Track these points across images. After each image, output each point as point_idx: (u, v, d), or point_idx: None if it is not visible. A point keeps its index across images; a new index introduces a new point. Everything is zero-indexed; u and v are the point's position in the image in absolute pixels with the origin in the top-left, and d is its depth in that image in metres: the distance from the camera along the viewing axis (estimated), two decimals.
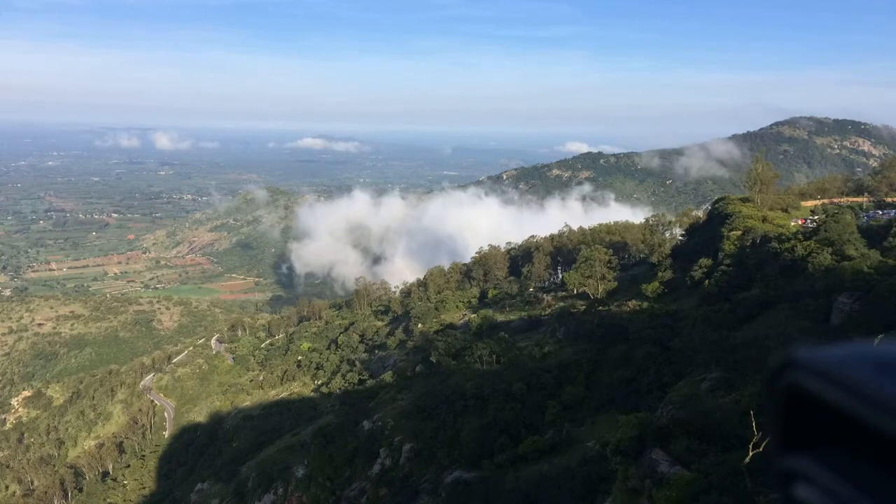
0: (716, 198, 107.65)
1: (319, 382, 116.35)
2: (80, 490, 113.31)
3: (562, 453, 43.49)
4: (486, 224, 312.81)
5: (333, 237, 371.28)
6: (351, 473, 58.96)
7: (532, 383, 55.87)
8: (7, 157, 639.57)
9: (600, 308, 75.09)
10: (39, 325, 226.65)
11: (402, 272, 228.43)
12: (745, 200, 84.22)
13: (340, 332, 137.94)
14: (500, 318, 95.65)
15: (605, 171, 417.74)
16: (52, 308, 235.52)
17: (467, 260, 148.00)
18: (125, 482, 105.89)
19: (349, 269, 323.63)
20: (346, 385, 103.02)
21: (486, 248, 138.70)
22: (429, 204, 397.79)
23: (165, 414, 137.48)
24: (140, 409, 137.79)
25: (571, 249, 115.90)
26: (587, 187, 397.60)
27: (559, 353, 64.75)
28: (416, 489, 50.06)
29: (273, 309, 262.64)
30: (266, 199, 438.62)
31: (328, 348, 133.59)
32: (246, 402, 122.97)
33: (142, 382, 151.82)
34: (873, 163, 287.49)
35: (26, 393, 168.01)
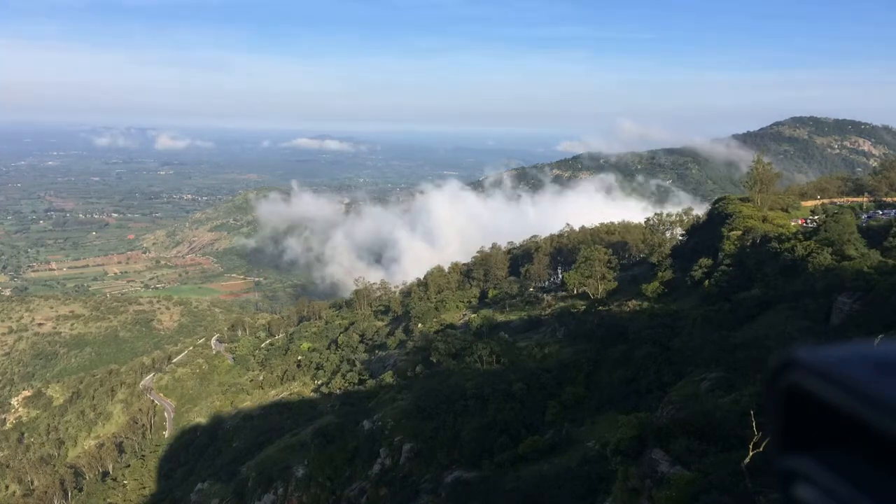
0: (716, 197, 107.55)
1: (319, 382, 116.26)
2: (80, 490, 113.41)
3: (562, 453, 43.47)
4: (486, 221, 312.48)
5: (336, 237, 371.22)
6: (351, 473, 58.97)
7: (532, 383, 55.87)
8: (7, 157, 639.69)
9: (600, 308, 75.10)
10: (39, 324, 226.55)
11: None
12: (745, 200, 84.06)
13: (340, 332, 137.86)
14: (500, 318, 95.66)
15: (604, 171, 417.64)
16: (52, 308, 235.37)
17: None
18: (125, 482, 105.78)
19: (352, 267, 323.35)
20: (346, 385, 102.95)
21: (486, 247, 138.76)
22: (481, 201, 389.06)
23: (165, 414, 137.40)
24: (140, 409, 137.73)
25: (571, 249, 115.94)
26: (586, 187, 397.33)
27: (559, 353, 64.75)
28: (416, 489, 50.05)
29: (273, 309, 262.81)
30: (266, 199, 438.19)
31: (328, 348, 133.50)
32: (246, 402, 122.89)
33: (142, 382, 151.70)
34: (873, 163, 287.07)
35: (26, 393, 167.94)
